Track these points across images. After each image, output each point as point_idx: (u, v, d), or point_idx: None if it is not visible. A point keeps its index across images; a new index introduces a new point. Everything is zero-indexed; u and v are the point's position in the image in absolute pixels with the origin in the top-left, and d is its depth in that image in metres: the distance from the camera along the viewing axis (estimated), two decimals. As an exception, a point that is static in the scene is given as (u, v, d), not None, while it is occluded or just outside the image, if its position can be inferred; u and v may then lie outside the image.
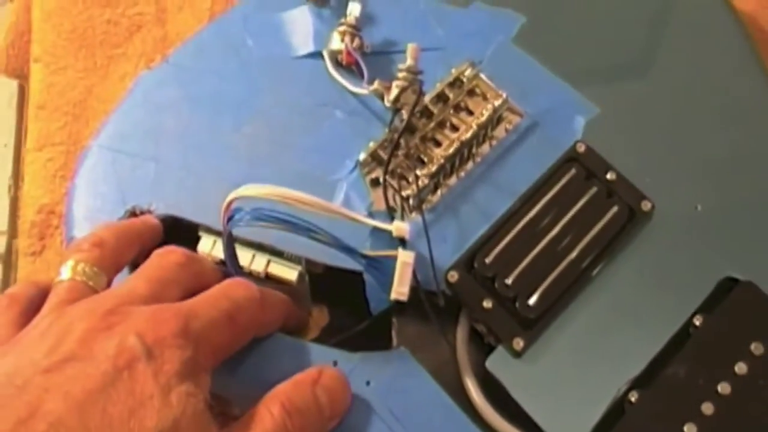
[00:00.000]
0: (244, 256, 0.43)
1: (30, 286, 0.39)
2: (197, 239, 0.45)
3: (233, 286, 0.39)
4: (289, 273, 0.43)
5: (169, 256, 0.40)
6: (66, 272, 0.39)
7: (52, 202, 0.53)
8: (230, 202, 0.39)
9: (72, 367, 0.33)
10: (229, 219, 0.39)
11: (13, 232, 0.92)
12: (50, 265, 0.52)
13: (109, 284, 0.40)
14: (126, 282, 0.39)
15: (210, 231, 0.45)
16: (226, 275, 0.42)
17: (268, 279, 0.44)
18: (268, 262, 0.44)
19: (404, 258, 0.40)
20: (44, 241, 0.53)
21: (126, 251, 0.41)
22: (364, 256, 0.40)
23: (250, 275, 0.43)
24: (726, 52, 0.48)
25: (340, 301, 0.47)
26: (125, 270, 0.42)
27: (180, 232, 0.45)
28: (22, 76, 0.62)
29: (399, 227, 0.41)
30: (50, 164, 0.54)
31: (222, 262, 0.43)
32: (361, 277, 0.42)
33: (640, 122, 0.46)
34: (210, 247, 0.44)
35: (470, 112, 0.46)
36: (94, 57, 0.57)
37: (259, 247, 0.44)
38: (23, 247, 0.53)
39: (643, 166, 0.45)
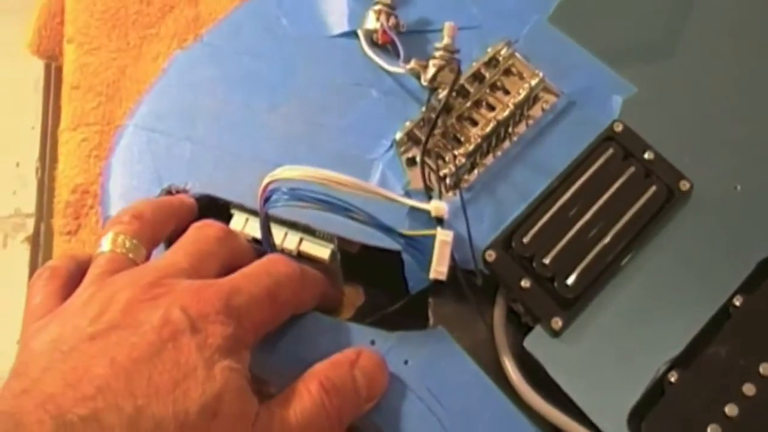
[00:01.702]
0: (277, 234, 0.43)
1: (70, 260, 0.40)
2: (230, 218, 0.45)
3: (274, 262, 0.39)
4: (322, 251, 0.43)
5: (207, 229, 0.40)
6: (106, 244, 0.39)
7: (86, 182, 0.53)
8: (267, 185, 0.39)
9: (117, 335, 0.34)
10: (266, 200, 0.39)
11: (40, 214, 0.93)
12: (85, 244, 0.52)
13: (147, 257, 0.40)
14: (166, 255, 0.39)
15: (243, 209, 0.45)
16: (259, 253, 0.42)
17: (300, 257, 0.44)
18: (301, 240, 0.44)
19: (443, 237, 0.40)
20: (79, 221, 0.53)
21: (164, 226, 0.42)
22: (402, 236, 0.40)
23: (282, 253, 0.43)
24: (765, 28, 0.48)
25: (375, 281, 0.47)
26: (161, 247, 0.43)
27: (214, 211, 0.45)
28: (53, 57, 0.63)
29: (437, 206, 0.41)
30: (84, 144, 0.54)
31: (254, 240, 0.43)
32: (398, 257, 0.42)
33: (678, 101, 0.46)
34: (242, 224, 0.44)
35: (506, 92, 0.46)
36: (127, 37, 0.57)
37: (292, 226, 0.44)
38: (58, 227, 0.53)
39: (682, 146, 0.44)
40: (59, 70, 0.64)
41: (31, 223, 1.00)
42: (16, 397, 0.31)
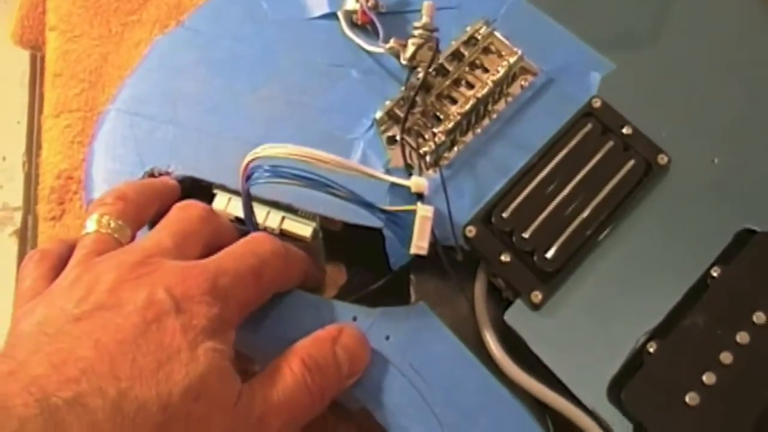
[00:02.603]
0: (259, 213, 0.43)
1: (60, 243, 0.40)
2: (212, 199, 0.45)
3: (258, 241, 0.40)
4: (304, 229, 0.44)
5: (190, 209, 0.41)
6: (91, 225, 0.39)
7: (70, 168, 0.54)
8: (249, 162, 0.39)
9: (101, 316, 0.34)
10: (248, 178, 0.39)
11: (27, 207, 0.93)
12: (70, 229, 0.52)
13: (132, 238, 0.40)
14: (150, 235, 0.39)
15: (225, 189, 0.45)
16: (242, 232, 0.42)
17: (282, 235, 0.44)
18: (283, 218, 0.44)
19: (423, 212, 0.40)
20: (63, 206, 0.53)
21: (147, 207, 0.42)
22: (383, 211, 0.40)
23: (264, 232, 0.44)
24: (744, 7, 0.48)
25: (358, 260, 0.47)
26: (144, 229, 0.43)
27: (196, 192, 0.45)
28: (36, 47, 0.63)
29: (417, 182, 0.41)
30: (68, 131, 0.54)
31: (237, 219, 0.44)
32: (379, 235, 0.42)
33: (655, 77, 0.46)
34: (225, 204, 0.44)
35: (486, 70, 0.46)
36: (109, 24, 0.57)
37: (274, 205, 0.44)
38: (43, 212, 0.53)
39: (660, 121, 0.44)
40: (45, 61, 0.64)
41: (18, 217, 1.00)
42: (2, 379, 0.31)
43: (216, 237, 0.41)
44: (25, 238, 0.96)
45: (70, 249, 0.39)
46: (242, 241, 0.40)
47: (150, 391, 0.32)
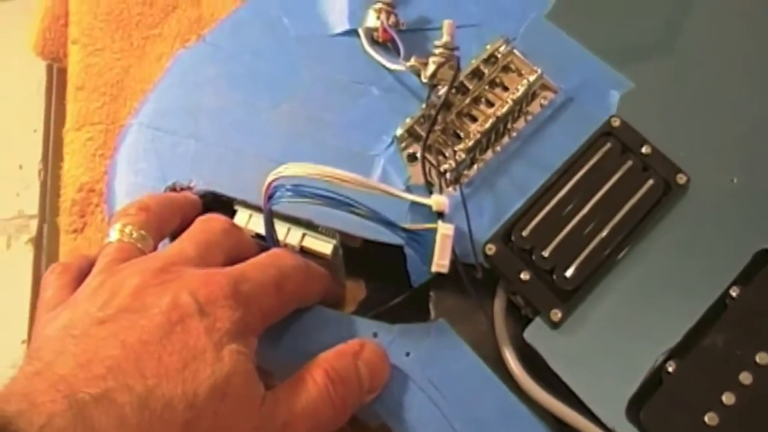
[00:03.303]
0: (280, 230, 0.44)
1: (80, 257, 0.41)
2: (233, 215, 0.45)
3: (281, 255, 0.40)
4: (324, 246, 0.44)
5: (212, 222, 0.41)
6: (114, 234, 0.40)
7: (92, 180, 0.54)
8: (271, 182, 0.39)
9: (126, 318, 0.34)
10: (270, 197, 0.40)
11: (43, 215, 0.94)
12: (91, 242, 0.53)
13: (154, 249, 0.41)
14: (173, 245, 0.40)
15: (246, 205, 0.45)
16: (263, 248, 0.42)
17: (303, 252, 0.44)
18: (303, 235, 0.44)
19: (444, 230, 0.40)
20: (85, 219, 0.54)
21: (169, 219, 0.43)
22: (404, 230, 0.40)
23: (285, 248, 0.44)
24: (762, 23, 0.48)
25: (377, 275, 0.47)
26: (165, 241, 0.43)
27: (217, 207, 0.45)
28: (57, 59, 0.63)
29: (438, 201, 0.42)
30: (90, 143, 0.55)
31: (257, 236, 0.44)
32: (398, 251, 0.43)
33: (674, 95, 0.46)
34: (246, 221, 0.45)
35: (505, 88, 0.46)
36: (131, 38, 0.58)
37: (295, 221, 0.44)
38: (64, 225, 0.54)
39: (679, 140, 0.45)
40: (62, 71, 0.64)
41: (34, 225, 1.01)
42: (29, 379, 0.32)
43: (237, 250, 0.41)
44: (41, 245, 0.96)
45: (90, 263, 0.40)
46: (264, 254, 0.41)
47: (176, 389, 0.33)
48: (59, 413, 0.30)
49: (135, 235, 0.40)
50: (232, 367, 0.34)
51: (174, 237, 0.42)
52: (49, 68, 0.81)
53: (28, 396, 0.31)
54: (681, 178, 0.44)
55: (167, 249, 0.39)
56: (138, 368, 0.33)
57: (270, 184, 0.40)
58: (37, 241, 0.99)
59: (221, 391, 0.34)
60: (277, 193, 0.40)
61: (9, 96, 1.08)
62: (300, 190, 0.39)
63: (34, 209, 0.99)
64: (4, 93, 1.08)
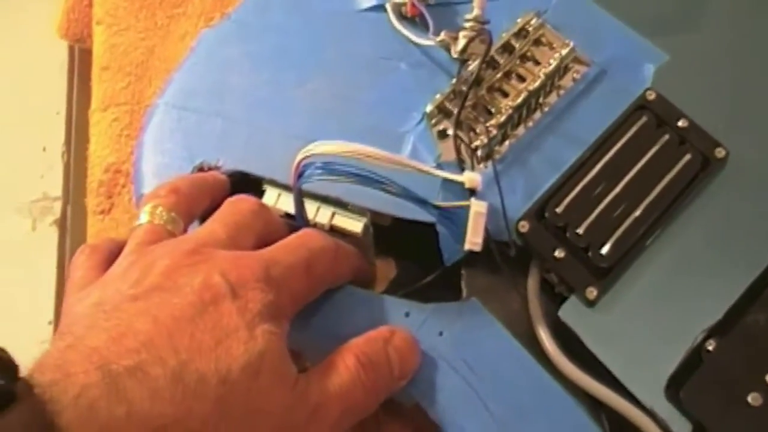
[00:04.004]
0: (309, 208, 0.43)
1: (109, 240, 0.41)
2: (261, 195, 0.45)
3: (310, 236, 0.40)
4: (354, 225, 0.43)
5: (241, 203, 0.41)
6: (144, 216, 0.39)
7: (118, 161, 0.54)
8: (301, 160, 0.39)
9: (158, 296, 0.34)
10: (300, 176, 0.39)
11: (67, 197, 0.94)
12: (118, 223, 0.53)
13: (184, 231, 0.41)
14: (204, 226, 0.39)
15: (275, 184, 0.45)
16: (292, 228, 0.42)
17: (333, 231, 0.44)
18: (333, 214, 0.44)
19: (477, 208, 0.39)
20: (112, 200, 0.54)
21: (199, 201, 0.42)
22: (436, 207, 0.40)
23: (314, 228, 0.43)
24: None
25: (408, 253, 0.47)
26: (195, 224, 0.43)
27: (246, 187, 0.45)
28: (81, 40, 0.63)
29: (471, 178, 0.41)
30: (115, 124, 0.55)
31: (287, 215, 0.43)
32: (429, 229, 0.42)
33: (711, 67, 0.45)
34: (275, 200, 0.44)
35: (537, 62, 0.45)
36: (155, 17, 0.57)
37: (324, 200, 0.44)
38: (92, 206, 0.53)
39: (716, 113, 0.44)
40: (84, 52, 0.64)
41: (58, 207, 1.01)
42: (61, 352, 0.31)
43: (267, 231, 0.41)
44: (65, 228, 0.97)
45: (119, 246, 0.40)
46: (294, 235, 0.40)
47: (209, 365, 0.32)
48: (93, 384, 0.30)
49: (165, 216, 0.39)
50: (265, 346, 0.34)
51: (203, 218, 0.42)
52: (71, 50, 0.81)
53: (61, 367, 0.30)
54: (720, 152, 0.42)
55: (197, 231, 0.39)
56: (171, 343, 0.32)
57: (300, 162, 0.39)
58: (61, 223, 0.99)
59: (255, 369, 0.33)
60: (307, 172, 0.39)
61: (31, 79, 1.08)
62: (330, 168, 0.38)
63: (58, 191, 0.99)
64: (26, 76, 1.08)
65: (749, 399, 0.37)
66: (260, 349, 0.34)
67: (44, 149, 1.04)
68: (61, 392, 0.29)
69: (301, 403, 0.35)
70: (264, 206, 0.42)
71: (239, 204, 0.41)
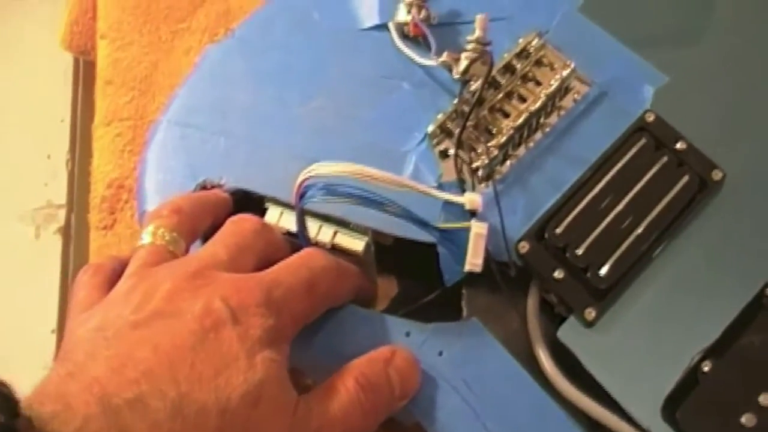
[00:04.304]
0: (311, 227, 0.44)
1: (112, 258, 0.41)
2: (263, 212, 0.45)
3: (312, 255, 0.40)
4: (356, 244, 0.44)
5: (243, 223, 0.41)
6: (147, 237, 0.40)
7: (121, 176, 0.54)
8: (302, 181, 0.39)
9: (159, 322, 0.34)
10: (302, 196, 0.40)
11: (71, 205, 0.94)
12: (121, 238, 0.53)
13: (186, 251, 0.41)
14: (206, 247, 0.40)
15: (277, 202, 0.45)
16: (294, 246, 0.42)
17: (334, 249, 0.44)
18: (335, 233, 0.44)
19: (478, 229, 0.40)
20: (115, 216, 0.54)
21: (201, 220, 0.43)
22: (437, 229, 0.40)
23: (316, 246, 0.44)
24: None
25: (409, 272, 0.47)
26: (197, 242, 0.43)
27: (248, 204, 0.45)
28: (85, 52, 0.63)
29: (472, 200, 0.41)
30: (118, 139, 0.55)
31: (289, 233, 0.44)
32: (430, 247, 0.42)
33: (710, 90, 0.46)
34: (277, 218, 0.44)
35: (538, 83, 0.46)
36: (159, 32, 0.58)
37: (326, 219, 0.44)
38: (94, 222, 0.54)
39: (714, 135, 0.44)
40: (89, 63, 0.64)
41: (62, 215, 1.01)
42: (62, 380, 0.32)
43: (269, 251, 0.41)
44: (69, 235, 0.97)
45: (122, 264, 0.40)
46: (296, 255, 0.40)
47: (209, 395, 0.33)
48: (93, 416, 0.30)
49: (168, 237, 0.40)
50: (264, 374, 0.34)
51: (206, 236, 0.42)
52: (76, 58, 0.82)
53: (62, 397, 0.31)
54: (717, 174, 0.43)
55: (199, 252, 0.39)
56: (171, 374, 0.33)
57: (301, 183, 0.39)
58: (65, 231, 1.00)
59: (254, 398, 0.34)
60: (309, 193, 0.39)
61: (36, 86, 1.08)
62: (332, 188, 0.39)
63: (62, 199, 0.99)
64: (31, 83, 1.08)
65: (743, 420, 0.38)
66: (260, 377, 0.34)
67: (49, 157, 1.05)
68: (62, 424, 0.30)
69: (301, 428, 0.35)
70: (266, 226, 0.42)
71: (241, 224, 0.41)
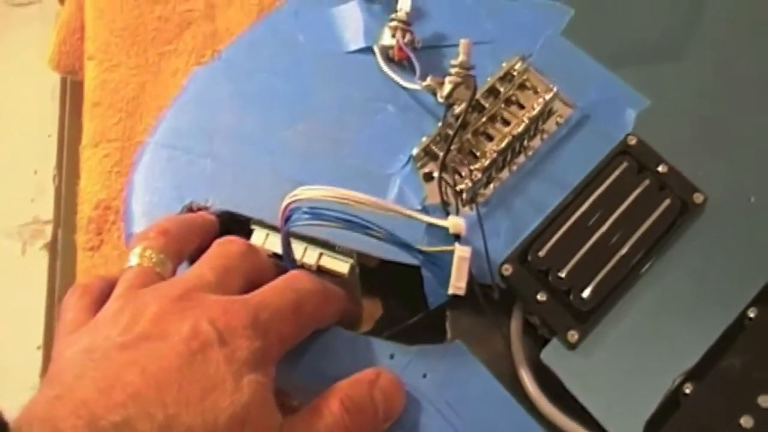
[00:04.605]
0: (296, 249, 0.44)
1: (100, 279, 0.41)
2: (249, 234, 0.45)
3: (298, 278, 0.40)
4: (341, 266, 0.44)
5: (230, 245, 0.41)
6: (134, 258, 0.40)
7: (108, 198, 0.54)
8: (287, 205, 0.39)
9: (147, 345, 0.35)
10: (287, 220, 0.40)
11: (58, 221, 0.94)
12: (108, 259, 0.53)
13: (173, 272, 0.41)
14: (192, 269, 0.40)
15: (262, 224, 0.45)
16: (280, 268, 0.42)
17: (320, 271, 0.44)
18: (320, 255, 0.44)
19: (461, 253, 0.40)
20: (102, 236, 0.54)
21: (188, 242, 0.43)
22: (421, 252, 0.40)
23: (301, 268, 0.44)
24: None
25: (394, 293, 0.47)
26: (184, 264, 0.44)
27: (234, 227, 0.46)
28: (73, 72, 0.63)
29: (455, 223, 0.42)
30: (106, 160, 0.55)
31: (274, 255, 0.44)
32: (414, 270, 0.43)
33: (691, 114, 0.46)
34: (263, 240, 0.45)
35: (521, 106, 0.46)
36: (146, 54, 0.58)
37: (311, 241, 0.44)
38: (81, 243, 0.54)
39: (696, 159, 0.45)
40: (76, 81, 0.64)
41: (49, 230, 1.01)
42: (50, 403, 0.32)
43: (255, 272, 0.41)
44: (56, 251, 0.97)
45: (110, 285, 0.40)
46: (282, 277, 0.41)
47: (196, 418, 0.33)
48: None
49: (155, 259, 0.40)
50: (250, 397, 0.34)
51: (192, 258, 0.42)
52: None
53: (49, 421, 0.31)
54: (698, 198, 0.43)
55: (186, 274, 0.39)
56: (158, 396, 0.33)
57: (286, 207, 0.40)
58: (52, 247, 1.00)
59: (240, 421, 0.34)
60: (294, 216, 0.40)
61: (23, 102, 1.08)
62: (316, 212, 0.39)
63: (49, 215, 0.99)
64: (18, 99, 1.09)
65: (725, 444, 0.38)
66: (246, 400, 0.34)
67: (35, 172, 1.05)
68: None
69: None
70: (252, 248, 0.42)
71: (228, 246, 0.41)
